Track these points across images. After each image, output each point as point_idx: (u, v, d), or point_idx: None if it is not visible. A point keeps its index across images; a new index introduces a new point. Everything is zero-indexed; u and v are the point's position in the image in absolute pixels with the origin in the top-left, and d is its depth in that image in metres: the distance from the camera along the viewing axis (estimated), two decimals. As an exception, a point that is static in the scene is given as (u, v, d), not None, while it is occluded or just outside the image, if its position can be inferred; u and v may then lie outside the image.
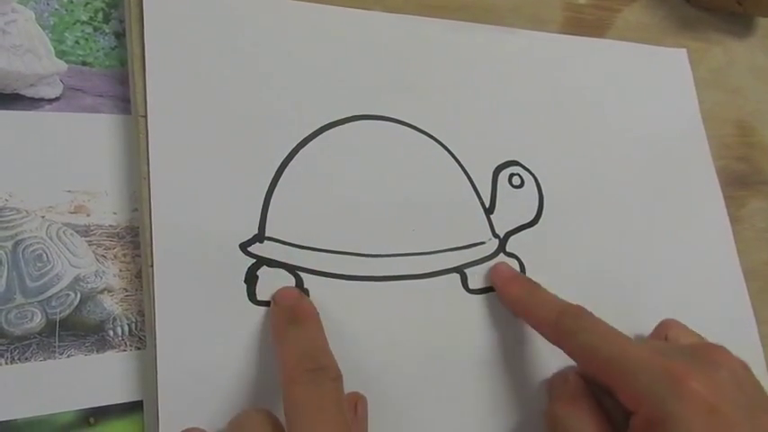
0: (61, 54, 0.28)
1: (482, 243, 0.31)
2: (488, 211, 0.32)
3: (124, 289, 0.27)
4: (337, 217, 0.29)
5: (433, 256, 0.30)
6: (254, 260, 0.27)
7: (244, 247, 0.27)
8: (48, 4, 0.28)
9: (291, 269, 0.28)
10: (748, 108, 0.43)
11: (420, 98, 0.32)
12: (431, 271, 0.30)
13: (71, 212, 0.27)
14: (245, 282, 0.27)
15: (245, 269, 0.27)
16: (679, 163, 0.38)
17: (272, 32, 0.30)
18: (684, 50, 0.41)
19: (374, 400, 0.27)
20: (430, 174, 0.31)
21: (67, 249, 0.26)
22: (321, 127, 0.30)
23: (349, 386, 0.26)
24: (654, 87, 0.39)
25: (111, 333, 0.26)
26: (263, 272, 0.27)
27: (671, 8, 0.42)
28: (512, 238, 0.32)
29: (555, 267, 0.33)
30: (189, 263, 0.26)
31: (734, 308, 0.37)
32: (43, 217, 0.26)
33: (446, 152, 0.32)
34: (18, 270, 0.25)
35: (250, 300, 0.27)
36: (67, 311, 0.26)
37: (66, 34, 0.28)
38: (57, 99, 0.28)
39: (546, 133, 0.35)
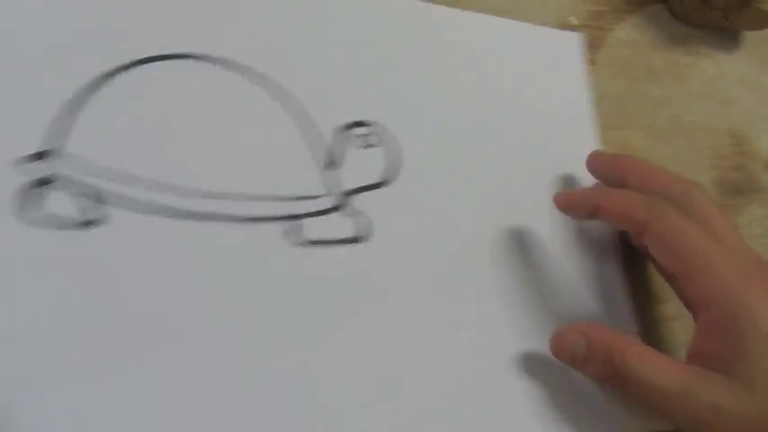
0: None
1: (317, 197, 0.29)
2: (328, 167, 0.30)
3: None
4: (151, 145, 0.26)
5: (263, 202, 0.28)
6: (31, 178, 0.25)
7: (24, 162, 0.25)
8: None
9: (80, 189, 0.25)
10: (740, 119, 0.44)
11: (271, 43, 0.31)
12: (259, 216, 0.28)
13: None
14: (20, 198, 0.24)
15: (21, 186, 0.24)
16: (559, 143, 0.37)
17: None
18: (577, 34, 0.40)
19: (177, 350, 0.24)
20: (267, 121, 0.29)
21: None
22: (141, 59, 0.28)
23: (147, 333, 0.24)
24: (541, 67, 0.38)
25: None
26: (43, 192, 0.24)
27: (660, 25, 0.44)
28: (356, 197, 0.30)
29: (401, 230, 0.31)
30: None
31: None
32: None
33: (292, 103, 0.30)
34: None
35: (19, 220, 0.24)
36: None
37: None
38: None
39: (410, 98, 0.33)
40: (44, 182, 0.24)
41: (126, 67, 0.27)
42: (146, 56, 0.28)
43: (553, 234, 0.34)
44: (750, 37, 0.46)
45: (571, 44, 0.40)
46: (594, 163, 0.35)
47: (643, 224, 0.29)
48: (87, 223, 0.25)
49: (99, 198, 0.25)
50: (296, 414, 0.25)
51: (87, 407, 0.23)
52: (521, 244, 0.33)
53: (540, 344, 0.31)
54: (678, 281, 0.29)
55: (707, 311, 0.27)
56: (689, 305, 0.29)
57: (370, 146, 0.31)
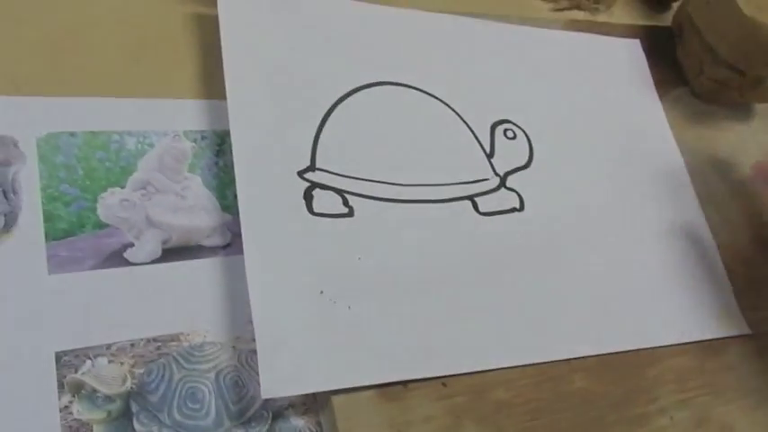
0: (226, 208, 0.34)
1: (486, 179, 0.39)
2: (489, 155, 0.40)
3: (303, 403, 0.31)
4: (371, 155, 0.37)
5: (450, 186, 0.38)
6: (309, 184, 0.34)
7: (300, 174, 0.34)
8: (209, 169, 0.34)
9: (338, 191, 0.35)
10: (765, 180, 0.50)
11: (429, 69, 0.41)
12: (450, 197, 0.38)
13: (254, 340, 0.31)
14: (304, 198, 0.34)
15: (303, 189, 0.34)
16: (637, 133, 0.47)
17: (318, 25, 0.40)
18: (637, 41, 0.50)
19: (405, 301, 0.33)
20: (442, 127, 0.40)
21: (256, 373, 0.30)
22: (353, 89, 0.38)
23: (381, 287, 0.33)
24: (610, 70, 0.49)
25: (299, 444, 0.30)
26: (317, 193, 0.34)
27: (687, 106, 0.50)
28: (510, 177, 0.40)
29: (547, 199, 0.40)
30: (262, 183, 0.33)
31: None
32: (234, 347, 0.31)
33: (452, 111, 0.41)
34: (222, 397, 0.29)
35: (309, 212, 0.34)
36: (264, 429, 0.29)
37: (227, 192, 0.34)
38: (228, 245, 0.33)
39: (530, 99, 0.44)
40: (313, 187, 0.35)
41: (343, 98, 0.38)
42: (357, 86, 0.39)
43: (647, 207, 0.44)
44: (761, 108, 0.53)
45: (634, 51, 0.50)
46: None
47: None
48: (340, 215, 0.35)
49: (344, 198, 0.35)
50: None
51: None
52: (629, 217, 0.43)
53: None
54: None
55: None
56: None
57: (511, 138, 0.42)
